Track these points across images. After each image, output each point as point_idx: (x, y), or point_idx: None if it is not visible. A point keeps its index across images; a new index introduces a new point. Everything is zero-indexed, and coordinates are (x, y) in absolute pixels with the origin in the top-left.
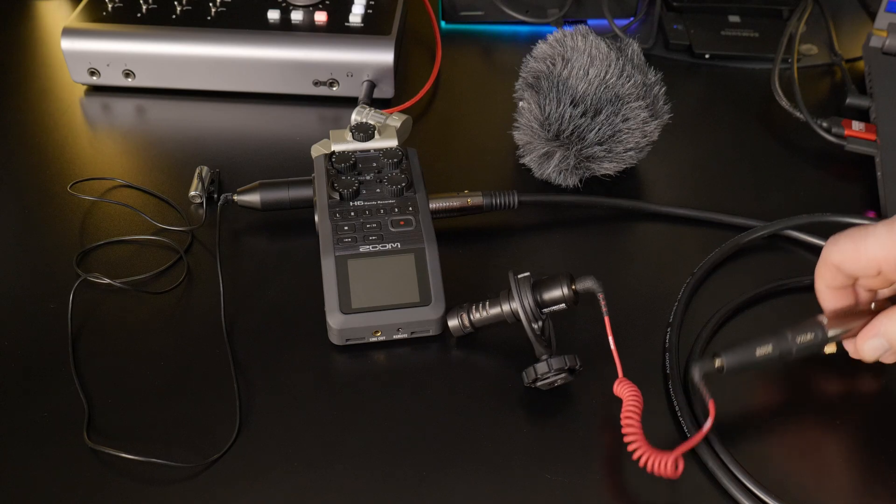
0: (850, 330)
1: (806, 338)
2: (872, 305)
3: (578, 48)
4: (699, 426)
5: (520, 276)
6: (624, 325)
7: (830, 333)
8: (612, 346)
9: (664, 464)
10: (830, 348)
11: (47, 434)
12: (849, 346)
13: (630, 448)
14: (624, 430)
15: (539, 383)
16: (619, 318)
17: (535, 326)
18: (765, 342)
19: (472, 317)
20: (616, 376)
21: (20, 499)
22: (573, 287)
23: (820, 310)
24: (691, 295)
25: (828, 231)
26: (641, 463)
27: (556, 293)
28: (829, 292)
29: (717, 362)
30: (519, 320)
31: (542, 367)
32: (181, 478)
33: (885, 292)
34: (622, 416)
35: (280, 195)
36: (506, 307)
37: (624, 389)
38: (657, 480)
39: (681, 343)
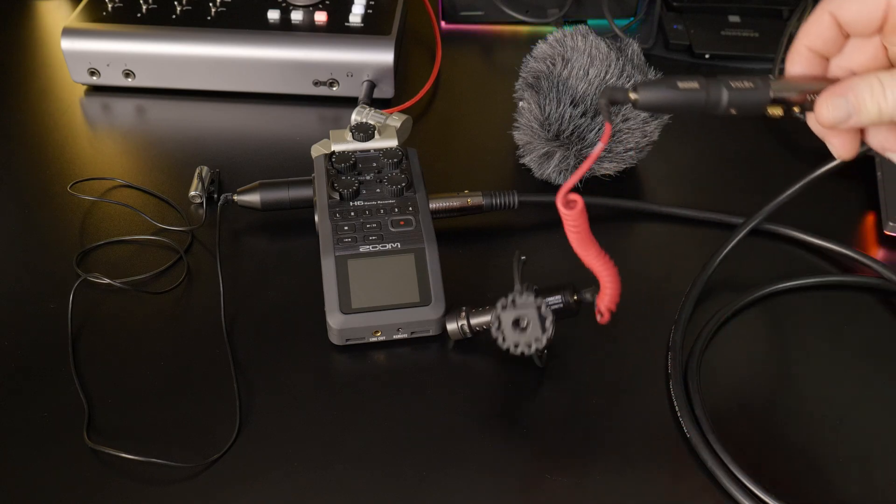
0: (798, 93)
1: (742, 84)
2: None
3: (578, 48)
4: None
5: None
6: (624, 324)
7: (773, 90)
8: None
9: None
10: (775, 110)
11: (47, 434)
12: (809, 116)
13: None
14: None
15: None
16: (619, 318)
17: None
18: (690, 79)
19: (470, 321)
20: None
21: (20, 499)
22: (576, 299)
23: None
24: (698, 294)
25: (827, 229)
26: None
27: (559, 303)
28: (805, 56)
29: (632, 95)
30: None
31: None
32: (181, 478)
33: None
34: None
35: (280, 195)
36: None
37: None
38: (657, 480)
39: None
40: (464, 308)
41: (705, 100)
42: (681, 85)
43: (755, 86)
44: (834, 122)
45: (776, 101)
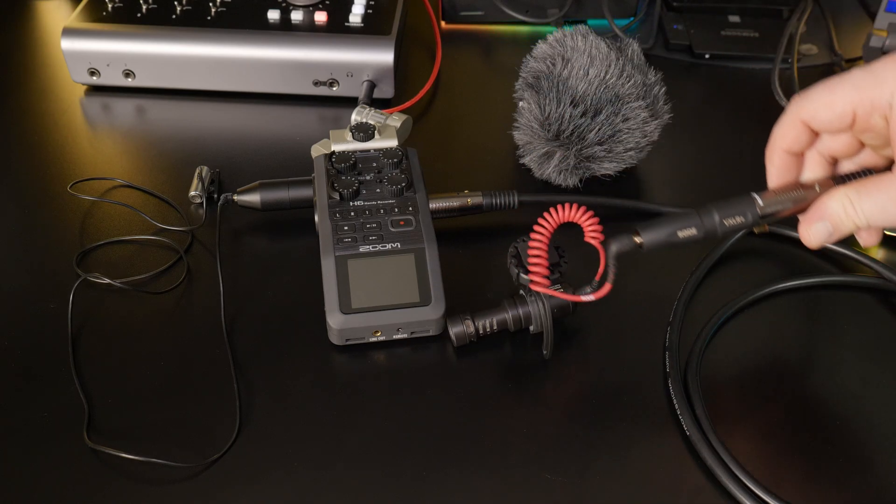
0: (783, 210)
1: (735, 221)
2: (817, 188)
3: (578, 48)
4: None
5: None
6: (624, 324)
7: (764, 211)
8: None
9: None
10: (761, 228)
11: (47, 434)
12: (801, 230)
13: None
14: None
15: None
16: (619, 318)
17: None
18: (688, 224)
19: (476, 324)
20: None
21: (20, 499)
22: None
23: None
24: (691, 294)
25: None
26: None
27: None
28: (782, 158)
29: (637, 239)
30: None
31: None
32: (181, 478)
33: (847, 165)
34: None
35: (280, 195)
36: (512, 315)
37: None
38: (657, 480)
39: (681, 342)
40: (469, 314)
41: (703, 238)
42: (681, 235)
43: (746, 219)
44: (819, 243)
45: (764, 217)
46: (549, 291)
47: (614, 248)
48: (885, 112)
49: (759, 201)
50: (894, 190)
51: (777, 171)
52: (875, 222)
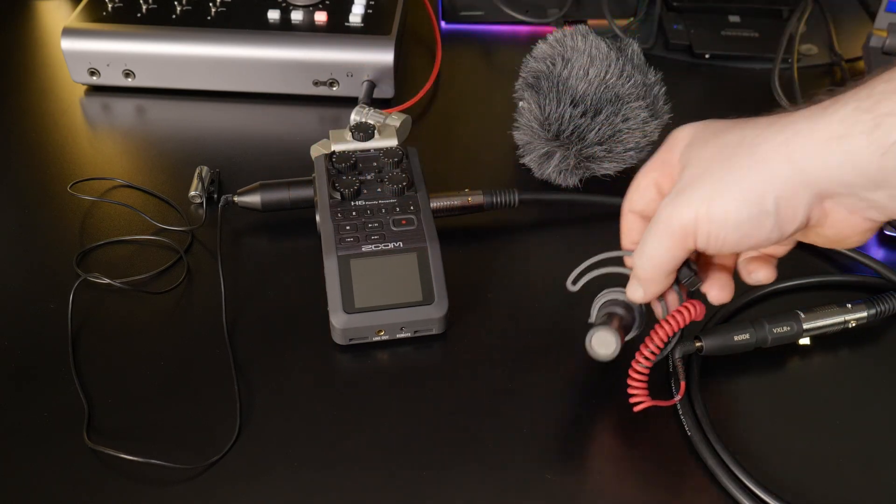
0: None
1: (782, 329)
2: (849, 305)
3: (578, 48)
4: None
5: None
6: None
7: (805, 326)
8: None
9: (637, 403)
10: (805, 340)
11: (47, 434)
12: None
13: (631, 374)
14: (642, 347)
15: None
16: None
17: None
18: (743, 331)
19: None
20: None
21: (20, 499)
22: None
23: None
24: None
25: None
26: (630, 389)
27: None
28: (633, 219)
29: (698, 344)
30: None
31: (685, 273)
32: (181, 478)
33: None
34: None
35: (281, 196)
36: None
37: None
38: (657, 480)
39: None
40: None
41: (754, 345)
42: (736, 339)
43: (791, 329)
44: (637, 299)
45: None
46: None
47: (678, 352)
48: (672, 167)
49: (801, 314)
50: (652, 228)
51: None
52: (648, 267)
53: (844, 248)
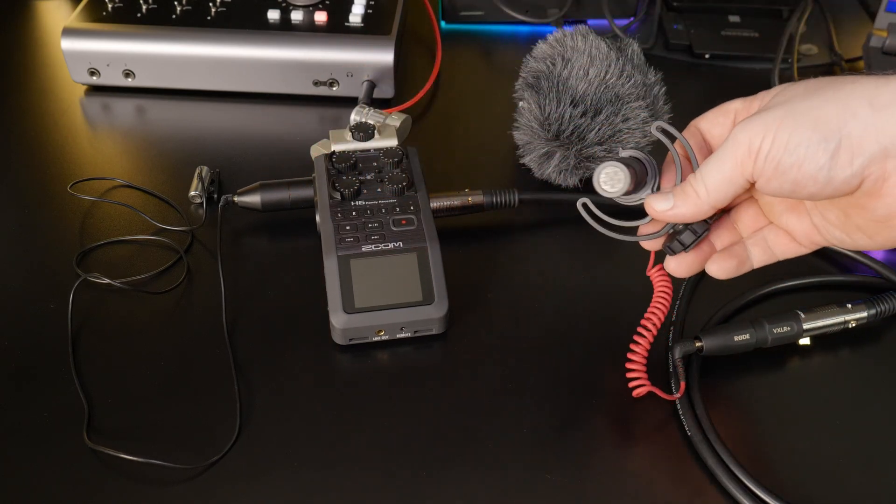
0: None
1: (782, 330)
2: (849, 306)
3: (578, 48)
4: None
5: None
6: (624, 324)
7: (806, 326)
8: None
9: (637, 385)
10: (805, 340)
11: (47, 434)
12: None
13: (631, 356)
14: (635, 337)
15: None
16: (619, 318)
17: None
18: (743, 331)
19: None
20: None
21: (20, 499)
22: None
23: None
24: (691, 294)
25: None
26: (629, 374)
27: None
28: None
29: (698, 344)
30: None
31: (688, 237)
32: (181, 479)
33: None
34: (645, 315)
35: (281, 196)
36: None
37: (656, 278)
38: (657, 480)
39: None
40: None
41: (754, 345)
42: (736, 339)
43: (791, 329)
44: (657, 213)
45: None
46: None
47: (677, 351)
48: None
49: (802, 315)
50: (722, 147)
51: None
52: (710, 188)
53: (888, 239)
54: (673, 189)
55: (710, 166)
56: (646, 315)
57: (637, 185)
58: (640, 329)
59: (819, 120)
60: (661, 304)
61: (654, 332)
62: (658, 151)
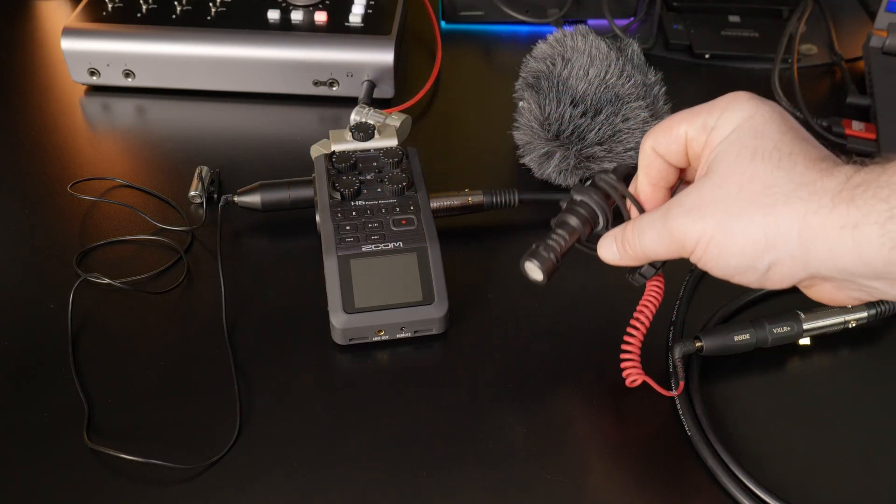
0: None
1: (782, 329)
2: (850, 305)
3: (578, 48)
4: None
5: (578, 188)
6: (624, 324)
7: (805, 326)
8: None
9: (631, 377)
10: (805, 340)
11: (47, 434)
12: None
13: (625, 347)
14: (629, 329)
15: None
16: (619, 318)
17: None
18: (743, 331)
19: (553, 249)
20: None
21: (20, 499)
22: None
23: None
24: (691, 294)
25: None
26: (622, 363)
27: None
28: (648, 189)
29: (698, 344)
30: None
31: (649, 270)
32: (181, 478)
33: None
34: (637, 308)
35: (281, 196)
36: (582, 225)
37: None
38: (657, 480)
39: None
40: (534, 246)
41: (754, 345)
42: (736, 339)
43: (791, 329)
44: (607, 258)
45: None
46: (642, 377)
47: (677, 351)
48: (700, 139)
49: (801, 315)
50: (658, 212)
51: (647, 195)
52: (637, 249)
53: None
54: (616, 239)
55: (647, 235)
56: (638, 308)
57: (592, 227)
58: (632, 321)
59: (750, 244)
60: (653, 297)
61: (647, 323)
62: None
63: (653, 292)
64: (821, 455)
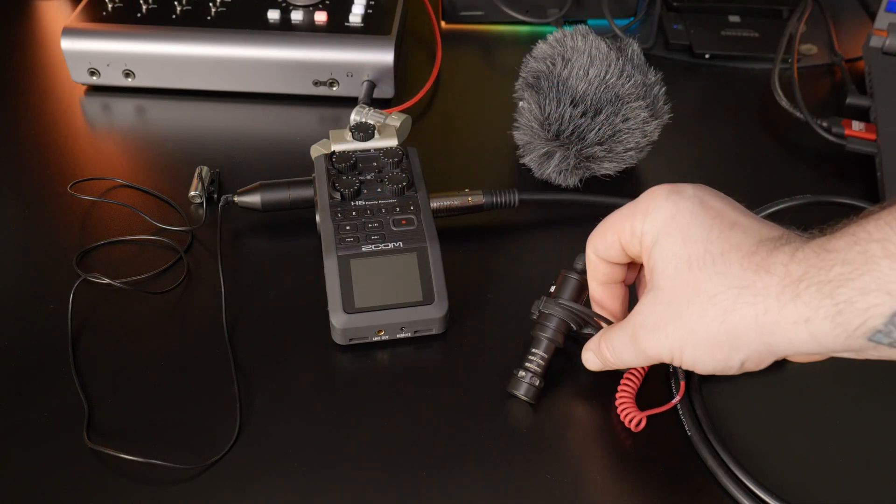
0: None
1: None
2: None
3: (578, 48)
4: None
5: (538, 305)
6: None
7: None
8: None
9: (632, 418)
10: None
11: (47, 434)
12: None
13: (618, 395)
14: (623, 380)
15: None
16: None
17: (589, 330)
18: None
19: (534, 371)
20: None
21: (20, 499)
22: (578, 271)
23: None
24: None
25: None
26: (619, 409)
27: (573, 284)
28: (600, 288)
29: None
30: (576, 335)
31: None
32: (181, 479)
33: None
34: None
35: (281, 196)
36: (550, 333)
37: None
38: (657, 480)
39: None
40: (516, 370)
41: None
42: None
43: None
44: (592, 368)
45: None
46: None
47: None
48: (637, 246)
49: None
50: (625, 334)
51: (603, 301)
52: (619, 366)
53: None
54: (596, 354)
55: (623, 354)
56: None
57: (580, 327)
58: (623, 381)
59: (714, 350)
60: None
61: (635, 390)
62: (656, 154)
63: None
64: (821, 455)
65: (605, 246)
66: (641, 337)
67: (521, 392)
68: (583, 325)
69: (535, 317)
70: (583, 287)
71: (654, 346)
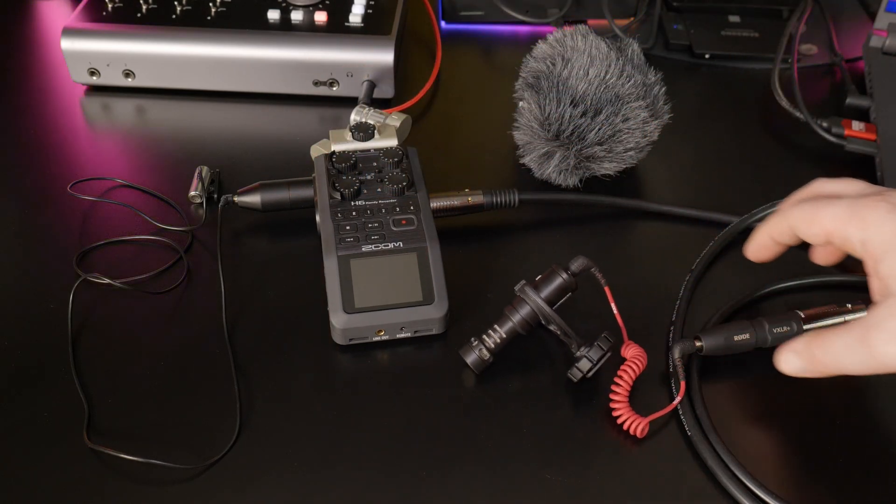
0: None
1: (782, 329)
2: (849, 306)
3: (578, 48)
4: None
5: (517, 286)
6: (625, 324)
7: (806, 327)
8: (616, 313)
9: (635, 426)
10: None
11: (47, 434)
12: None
13: (612, 405)
14: (613, 387)
15: (589, 375)
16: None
17: (553, 327)
18: (743, 331)
19: (488, 345)
20: (623, 341)
21: (20, 499)
22: (569, 272)
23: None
24: (691, 294)
25: None
26: (619, 419)
27: (557, 282)
28: (765, 243)
29: (699, 344)
30: (536, 328)
31: (584, 364)
32: (181, 478)
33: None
34: (617, 372)
35: (281, 196)
36: (517, 318)
37: (629, 352)
38: (657, 480)
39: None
40: (473, 338)
41: (754, 345)
42: (736, 339)
43: (791, 329)
44: (788, 372)
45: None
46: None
47: (676, 351)
48: (856, 250)
49: (801, 314)
50: (852, 337)
51: (755, 248)
52: (831, 370)
53: None
54: (801, 355)
55: (846, 359)
56: (622, 372)
57: (531, 327)
58: (616, 379)
59: None
60: (637, 363)
61: (630, 382)
62: (656, 154)
63: (637, 360)
64: (821, 455)
65: (810, 231)
66: (880, 342)
67: (469, 360)
68: (549, 322)
69: (517, 293)
70: (566, 288)
71: (894, 352)
